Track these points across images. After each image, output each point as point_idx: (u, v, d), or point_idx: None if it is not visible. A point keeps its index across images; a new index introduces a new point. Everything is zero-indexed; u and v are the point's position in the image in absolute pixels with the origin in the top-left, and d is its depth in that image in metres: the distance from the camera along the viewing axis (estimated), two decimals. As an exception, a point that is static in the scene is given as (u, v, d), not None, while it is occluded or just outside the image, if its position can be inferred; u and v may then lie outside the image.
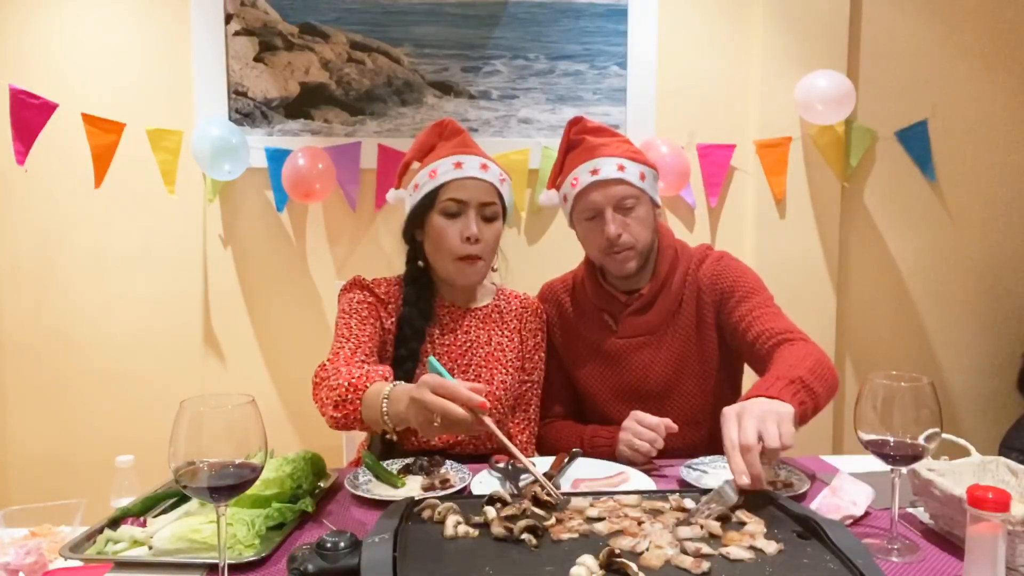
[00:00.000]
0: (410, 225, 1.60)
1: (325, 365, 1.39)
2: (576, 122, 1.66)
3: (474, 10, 2.49)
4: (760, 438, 1.08)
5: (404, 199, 1.63)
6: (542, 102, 2.53)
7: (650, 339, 1.63)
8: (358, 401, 1.26)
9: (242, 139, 2.34)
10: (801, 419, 1.21)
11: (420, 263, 1.60)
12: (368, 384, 1.27)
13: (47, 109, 2.13)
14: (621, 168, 1.55)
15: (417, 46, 2.49)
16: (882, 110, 2.59)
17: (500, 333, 1.63)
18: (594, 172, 1.55)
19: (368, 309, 1.54)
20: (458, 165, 1.53)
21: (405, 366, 1.54)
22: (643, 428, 1.45)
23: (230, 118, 2.45)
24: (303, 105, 2.49)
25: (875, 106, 2.59)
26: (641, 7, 2.50)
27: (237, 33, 2.45)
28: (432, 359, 1.18)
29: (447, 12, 2.48)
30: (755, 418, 1.10)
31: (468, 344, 1.60)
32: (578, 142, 1.63)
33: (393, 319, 1.57)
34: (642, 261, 1.61)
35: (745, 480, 1.05)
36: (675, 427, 1.44)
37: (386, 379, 1.31)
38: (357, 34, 2.48)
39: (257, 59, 2.46)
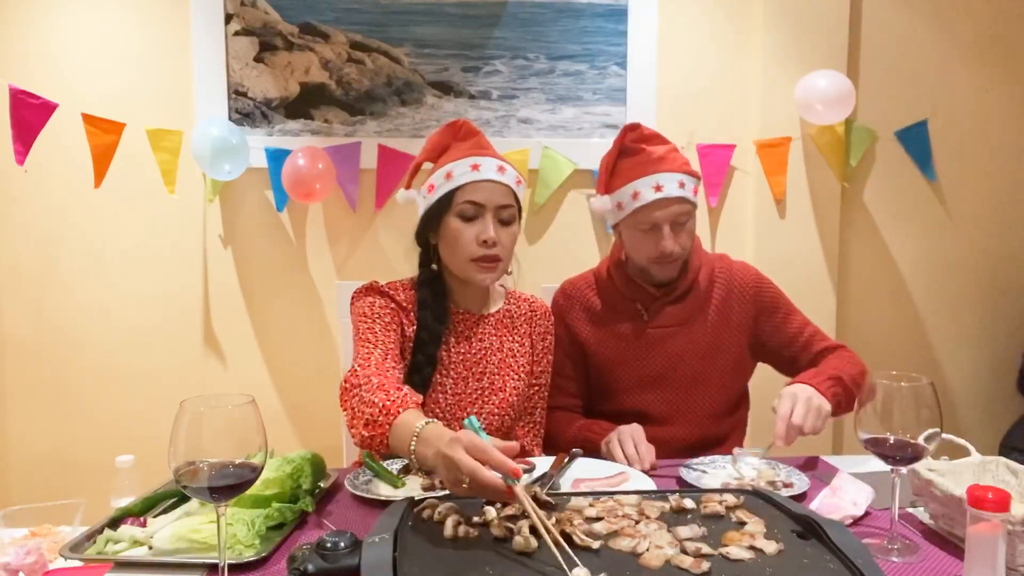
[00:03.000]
0: (424, 227, 1.57)
1: (356, 371, 1.35)
2: (633, 128, 1.68)
3: (474, 10, 2.49)
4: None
5: (416, 200, 1.60)
6: (542, 102, 2.53)
7: (682, 328, 1.68)
8: (387, 426, 1.22)
9: (242, 139, 2.34)
10: (835, 403, 1.48)
11: (434, 267, 1.58)
12: (401, 410, 1.22)
13: (47, 109, 2.13)
14: (681, 185, 1.60)
15: (417, 46, 2.49)
16: (882, 110, 2.59)
17: (512, 339, 1.63)
18: (657, 188, 1.59)
19: (391, 315, 1.52)
20: (475, 167, 1.50)
21: (424, 372, 1.51)
22: (633, 443, 1.47)
23: (230, 118, 2.45)
24: (303, 105, 2.49)
25: (875, 106, 2.59)
26: (641, 7, 2.50)
27: (237, 33, 2.45)
28: (472, 419, 1.08)
29: (447, 12, 2.48)
30: (806, 408, 1.40)
31: (482, 352, 1.58)
32: (635, 151, 1.65)
33: (414, 327, 1.55)
34: (680, 266, 1.68)
35: (780, 443, 1.38)
36: (655, 466, 1.45)
37: (419, 406, 1.27)
38: (357, 34, 2.48)
39: (257, 59, 2.46)
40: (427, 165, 1.62)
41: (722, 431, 1.69)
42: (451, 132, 1.60)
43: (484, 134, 1.63)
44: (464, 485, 1.01)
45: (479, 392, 1.56)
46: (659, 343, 1.68)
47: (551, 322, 1.71)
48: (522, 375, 1.60)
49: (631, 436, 1.48)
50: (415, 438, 1.15)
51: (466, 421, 1.08)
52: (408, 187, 1.65)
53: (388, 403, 1.24)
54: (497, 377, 1.57)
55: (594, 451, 1.53)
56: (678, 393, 1.67)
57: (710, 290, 1.69)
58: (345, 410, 1.33)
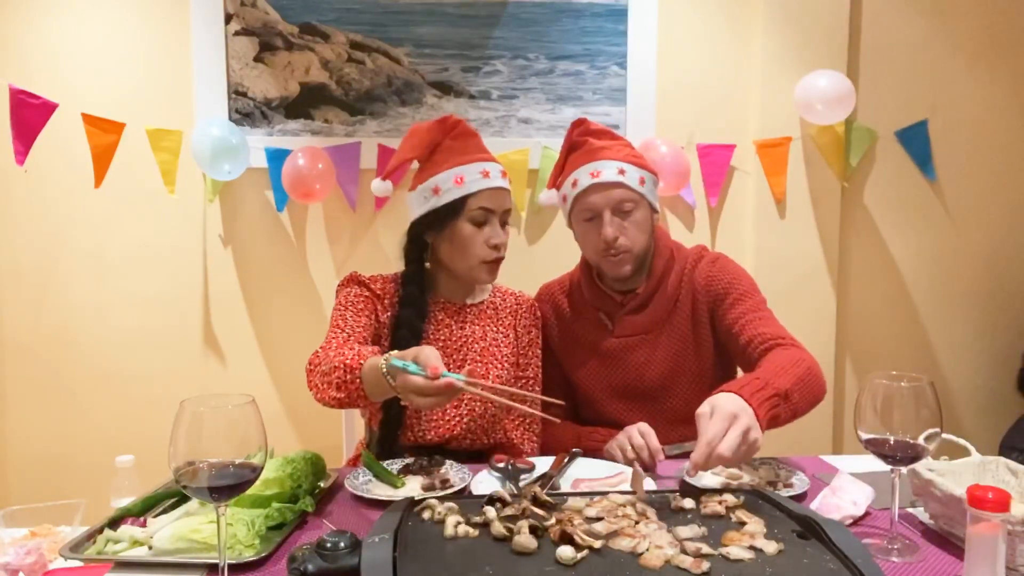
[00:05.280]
0: (423, 227, 1.59)
1: (317, 353, 1.40)
2: (579, 123, 1.67)
3: (474, 10, 2.49)
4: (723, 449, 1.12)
5: (408, 199, 1.62)
6: (542, 102, 2.53)
7: (646, 338, 1.65)
8: (359, 379, 1.27)
9: (242, 139, 2.34)
10: (771, 426, 1.23)
11: (427, 264, 1.61)
12: (363, 362, 1.28)
13: (47, 109, 2.13)
14: (621, 172, 1.56)
15: (417, 46, 2.49)
16: (882, 110, 2.59)
17: (495, 329, 1.65)
18: (594, 174, 1.56)
19: (364, 302, 1.57)
20: (485, 174, 1.55)
21: None
22: (640, 439, 1.44)
23: (230, 118, 2.45)
24: (303, 105, 2.49)
25: (875, 106, 2.59)
26: (641, 7, 2.50)
27: (237, 33, 2.45)
28: (394, 360, 1.17)
29: (447, 12, 2.48)
30: (741, 446, 1.12)
31: (463, 339, 1.61)
32: (580, 143, 1.64)
33: (389, 314, 1.59)
34: (637, 265, 1.62)
35: (693, 473, 1.18)
36: (662, 455, 1.43)
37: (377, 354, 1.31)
38: (357, 34, 2.48)
39: (257, 59, 2.46)
40: (416, 164, 1.63)
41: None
42: (441, 129, 1.60)
43: (481, 134, 1.67)
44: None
45: None
46: (622, 354, 1.65)
47: (537, 316, 1.72)
48: (506, 365, 1.62)
49: (639, 431, 1.46)
50: (387, 375, 1.19)
51: (391, 363, 1.17)
52: (386, 178, 1.66)
53: (348, 361, 1.29)
54: (479, 364, 1.59)
55: (598, 454, 1.52)
56: (647, 403, 1.63)
57: (676, 295, 1.64)
58: (312, 388, 1.37)
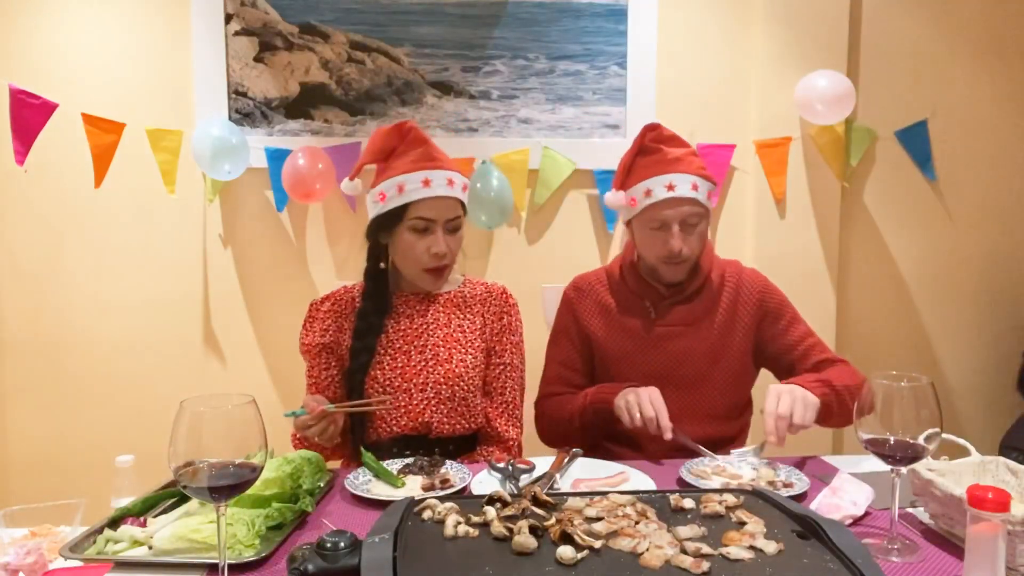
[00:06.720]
0: (376, 229, 1.64)
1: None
2: (652, 128, 1.70)
3: (474, 10, 2.49)
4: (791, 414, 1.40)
5: (366, 200, 1.66)
6: (542, 102, 2.53)
7: (688, 329, 1.70)
8: (310, 442, 1.53)
9: (242, 139, 2.34)
10: (825, 407, 1.47)
11: (382, 264, 1.66)
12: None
13: (47, 109, 2.13)
14: (695, 187, 1.61)
15: (417, 46, 2.49)
16: (882, 110, 2.59)
17: (461, 316, 1.67)
18: (670, 187, 1.61)
19: (316, 351, 1.65)
20: (426, 183, 1.56)
21: (360, 358, 1.60)
22: (651, 410, 1.48)
23: (230, 118, 2.45)
24: (303, 105, 2.49)
25: (875, 106, 2.59)
26: (641, 7, 2.50)
27: (237, 33, 2.45)
28: (285, 413, 1.46)
29: (447, 12, 2.48)
30: (791, 399, 1.42)
31: (425, 327, 1.64)
32: (653, 150, 1.67)
33: (346, 323, 1.66)
34: (691, 269, 1.69)
35: (773, 439, 1.38)
36: (669, 434, 1.47)
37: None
38: (357, 34, 2.48)
39: (257, 59, 2.46)
40: (373, 166, 1.66)
41: (724, 434, 1.69)
42: (398, 134, 1.63)
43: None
44: (323, 431, 1.46)
45: (423, 364, 1.60)
46: (665, 341, 1.70)
47: (509, 304, 1.73)
48: (471, 350, 1.64)
49: (650, 399, 1.50)
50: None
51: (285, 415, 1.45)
52: (352, 179, 1.69)
53: (298, 436, 1.58)
54: (442, 349, 1.62)
55: (607, 412, 1.56)
56: (681, 392, 1.68)
57: (719, 293, 1.71)
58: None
